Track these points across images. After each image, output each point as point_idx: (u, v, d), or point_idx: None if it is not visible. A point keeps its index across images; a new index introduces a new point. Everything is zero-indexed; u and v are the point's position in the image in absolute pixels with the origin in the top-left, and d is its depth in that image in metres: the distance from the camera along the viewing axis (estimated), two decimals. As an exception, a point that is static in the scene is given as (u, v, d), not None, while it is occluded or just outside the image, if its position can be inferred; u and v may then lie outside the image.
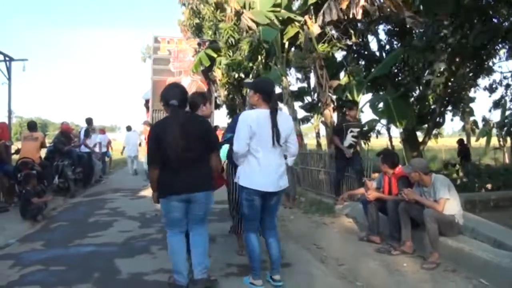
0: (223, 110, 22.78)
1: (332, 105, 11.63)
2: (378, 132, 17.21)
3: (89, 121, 15.14)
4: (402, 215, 5.91)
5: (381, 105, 11.61)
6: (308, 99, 17.12)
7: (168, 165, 4.38)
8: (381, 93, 13.62)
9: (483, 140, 18.79)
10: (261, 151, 4.49)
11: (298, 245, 6.44)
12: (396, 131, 16.35)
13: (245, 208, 4.67)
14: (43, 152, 11.89)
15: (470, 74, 14.15)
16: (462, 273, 5.09)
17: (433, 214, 5.46)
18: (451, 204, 5.62)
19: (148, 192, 11.93)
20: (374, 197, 6.54)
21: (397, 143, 16.90)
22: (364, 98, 12.37)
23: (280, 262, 4.87)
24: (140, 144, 18.07)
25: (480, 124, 21.26)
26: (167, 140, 4.33)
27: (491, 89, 15.61)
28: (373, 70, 13.60)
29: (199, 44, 17.93)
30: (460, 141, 18.18)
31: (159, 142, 4.38)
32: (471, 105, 18.70)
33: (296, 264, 5.48)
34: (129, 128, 18.69)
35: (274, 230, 4.85)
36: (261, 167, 4.50)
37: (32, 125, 11.37)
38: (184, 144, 4.29)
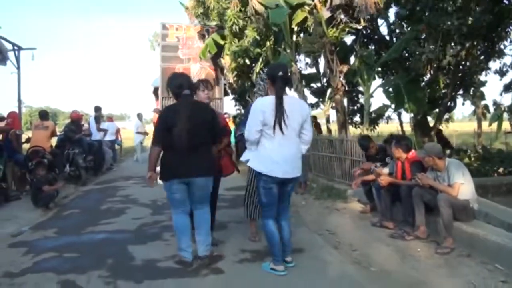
0: (232, 96, 22.67)
1: (342, 90, 11.54)
2: (389, 118, 17.07)
3: (97, 108, 15.19)
4: (416, 200, 5.86)
5: (392, 89, 11.47)
6: (317, 84, 17.00)
7: (172, 149, 4.63)
8: (391, 77, 13.48)
9: (495, 125, 18.60)
10: (276, 138, 4.46)
11: (310, 231, 6.43)
12: (406, 116, 16.23)
13: (262, 196, 4.65)
14: (54, 141, 11.94)
15: (481, 57, 13.95)
16: (477, 258, 5.05)
17: (447, 199, 5.41)
18: (465, 189, 5.56)
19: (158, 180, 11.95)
20: (387, 182, 6.48)
21: (407, 128, 16.75)
22: (374, 83, 12.25)
23: (291, 245, 4.88)
24: (146, 133, 18.12)
25: (491, 108, 21.04)
26: (175, 125, 4.55)
27: (501, 73, 15.42)
28: (381, 53, 13.48)
29: (207, 31, 17.81)
30: (438, 132, 17.92)
31: (167, 125, 4.61)
32: (482, 89, 18.51)
33: (309, 249, 5.45)
34: (139, 116, 18.65)
35: (286, 214, 4.86)
36: (278, 154, 4.47)
37: (43, 114, 11.42)
38: (190, 131, 4.55)
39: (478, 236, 5.28)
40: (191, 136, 4.56)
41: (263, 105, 4.47)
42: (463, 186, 5.53)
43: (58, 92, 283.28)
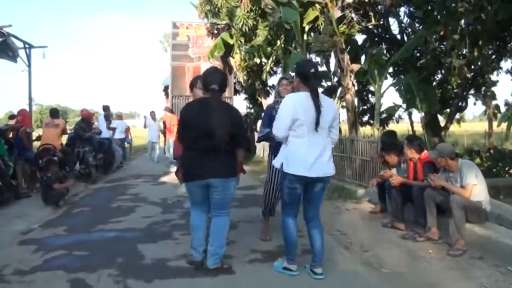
0: (244, 96, 22.69)
1: (353, 90, 11.48)
2: (399, 117, 16.99)
3: (105, 108, 15.21)
4: (428, 201, 5.81)
5: (403, 88, 11.40)
6: (327, 83, 16.92)
7: (193, 149, 4.49)
8: (402, 77, 13.40)
9: (504, 125, 18.41)
10: (306, 136, 4.30)
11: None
12: (416, 116, 16.14)
13: (285, 195, 4.50)
14: (64, 139, 11.97)
15: (493, 57, 13.84)
16: (489, 261, 5.02)
17: (460, 200, 5.36)
18: (478, 190, 5.51)
19: (168, 178, 11.96)
20: (399, 183, 6.43)
21: (418, 128, 16.67)
22: (385, 83, 12.15)
23: (323, 255, 4.57)
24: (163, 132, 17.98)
25: (503, 108, 20.86)
26: (200, 124, 4.40)
27: (512, 72, 15.31)
28: (392, 52, 13.40)
29: (217, 29, 17.79)
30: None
31: (189, 123, 4.51)
32: (493, 88, 18.36)
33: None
34: (152, 114, 18.57)
35: (317, 221, 4.61)
36: (306, 152, 4.29)
37: (54, 112, 11.45)
38: (216, 131, 4.30)
39: (491, 239, 5.24)
40: (217, 137, 4.30)
41: (295, 101, 4.33)
42: (476, 187, 5.47)
43: (68, 90, 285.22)
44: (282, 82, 5.65)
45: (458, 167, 5.66)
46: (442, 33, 11.60)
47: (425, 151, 6.46)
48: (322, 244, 4.54)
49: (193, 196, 4.72)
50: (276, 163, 4.56)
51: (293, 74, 5.29)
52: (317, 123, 4.26)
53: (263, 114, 6.17)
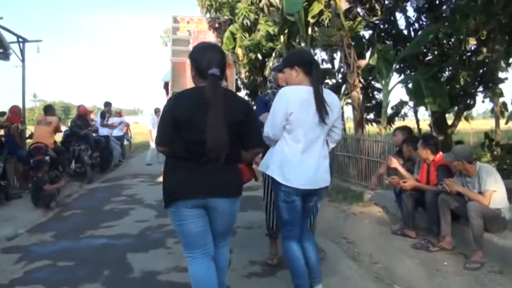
0: (244, 92, 22.29)
1: (359, 86, 11.05)
2: (405, 115, 16.60)
3: (106, 104, 14.87)
4: (442, 207, 5.35)
5: (411, 85, 10.99)
6: (332, 80, 16.55)
7: (183, 158, 3.12)
8: (412, 73, 13.00)
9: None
10: (302, 140, 3.60)
11: (326, 239, 5.88)
12: (422, 114, 15.76)
13: (283, 212, 3.74)
14: (59, 137, 11.61)
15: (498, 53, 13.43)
16: (510, 275, 4.57)
17: (478, 208, 4.90)
18: (497, 197, 5.05)
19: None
20: (411, 186, 5.96)
21: (423, 126, 16.28)
22: (392, 79, 11.73)
23: (320, 269, 4.02)
24: None
25: (510, 106, 20.44)
26: (193, 122, 3.06)
27: (520, 70, 14.89)
28: (399, 48, 12.99)
29: (219, 24, 17.42)
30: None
31: (177, 121, 3.09)
32: (501, 86, 17.97)
33: (325, 262, 4.88)
34: (156, 111, 17.96)
35: (310, 233, 4.14)
36: (303, 160, 3.60)
37: (47, 109, 11.12)
38: (222, 135, 2.98)
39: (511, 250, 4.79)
40: (222, 142, 2.98)
41: (291, 96, 3.59)
42: (495, 193, 5.02)
43: (72, 86, 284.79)
44: (278, 76, 4.66)
45: (476, 171, 5.21)
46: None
47: (440, 153, 5.99)
48: (317, 256, 3.98)
49: (185, 229, 3.20)
50: (263, 167, 3.86)
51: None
52: (320, 127, 3.64)
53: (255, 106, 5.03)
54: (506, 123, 18.60)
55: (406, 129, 7.27)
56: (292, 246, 3.78)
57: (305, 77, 3.69)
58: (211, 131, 2.95)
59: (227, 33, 16.11)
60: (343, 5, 10.40)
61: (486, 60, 12.41)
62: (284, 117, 3.56)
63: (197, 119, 3.02)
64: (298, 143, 3.61)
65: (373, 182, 6.94)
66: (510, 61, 13.74)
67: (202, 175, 3.09)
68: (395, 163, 6.36)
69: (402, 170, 6.25)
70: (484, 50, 12.16)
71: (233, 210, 3.31)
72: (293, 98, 3.58)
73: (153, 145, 16.27)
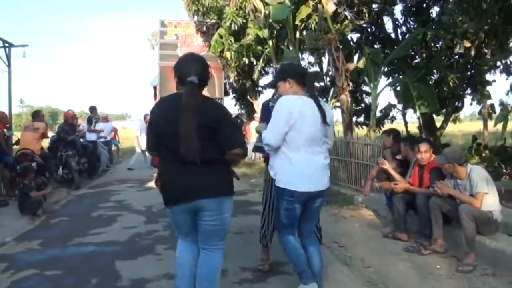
0: (232, 96, 22.24)
1: (348, 89, 11.03)
2: (393, 117, 16.64)
3: (92, 109, 14.71)
4: (434, 210, 5.30)
5: (400, 88, 11.01)
6: (320, 84, 16.54)
7: (167, 163, 3.38)
8: (400, 76, 13.03)
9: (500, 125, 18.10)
10: (303, 147, 3.73)
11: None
12: (410, 116, 15.79)
13: (283, 216, 3.89)
14: (46, 142, 11.46)
15: (487, 56, 13.49)
16: (503, 277, 4.55)
17: (470, 210, 4.87)
18: (489, 199, 5.03)
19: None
20: (402, 189, 5.92)
21: (412, 128, 16.30)
22: (381, 82, 11.76)
23: (322, 274, 4.11)
24: None
25: (497, 108, 20.54)
26: (169, 129, 3.23)
27: (508, 72, 14.95)
28: (387, 51, 13.01)
29: (207, 28, 17.37)
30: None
31: (158, 128, 3.36)
32: (488, 88, 18.05)
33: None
34: (145, 116, 17.73)
35: (314, 237, 4.22)
36: (305, 165, 3.74)
37: (35, 115, 10.97)
38: (197, 139, 3.14)
39: (504, 252, 4.76)
40: (199, 147, 3.14)
41: (293, 105, 3.71)
42: (487, 196, 5.00)
43: (59, 92, 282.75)
44: None
45: (467, 173, 5.18)
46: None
47: (433, 156, 5.95)
48: (321, 261, 4.06)
49: (177, 226, 3.56)
50: (272, 171, 3.95)
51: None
52: (321, 135, 3.80)
53: (260, 112, 5.18)
54: (495, 125, 18.71)
55: (393, 132, 7.20)
56: (291, 240, 3.94)
57: (298, 87, 3.83)
58: (183, 138, 3.13)
59: (215, 36, 16.07)
60: (330, 8, 10.40)
61: (472, 63, 12.47)
62: (285, 124, 3.67)
63: (171, 125, 3.19)
64: (299, 150, 3.73)
65: (367, 188, 6.85)
66: (497, 64, 13.84)
67: (186, 179, 3.26)
68: (386, 164, 6.31)
69: (393, 172, 6.20)
70: (472, 53, 12.22)
71: (221, 209, 3.37)
72: (293, 106, 3.70)
73: (138, 150, 16.20)
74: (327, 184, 3.94)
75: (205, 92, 3.51)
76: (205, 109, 3.27)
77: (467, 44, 10.67)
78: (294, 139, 3.72)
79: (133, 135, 19.25)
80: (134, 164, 15.92)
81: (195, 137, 3.12)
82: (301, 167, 3.75)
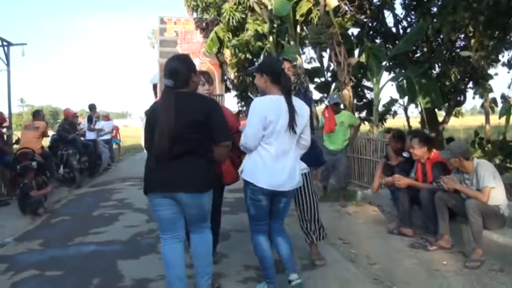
0: (234, 93, 22.17)
1: (350, 85, 10.94)
2: (395, 112, 16.55)
3: (91, 107, 14.55)
4: (440, 205, 5.23)
5: (405, 83, 10.91)
6: (321, 79, 16.44)
7: (154, 155, 3.58)
8: (402, 71, 12.95)
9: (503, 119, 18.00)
10: (274, 143, 3.76)
11: (322, 240, 5.77)
12: (412, 111, 15.72)
13: (250, 208, 3.94)
14: (46, 141, 11.39)
15: (491, 49, 13.38)
16: (511, 273, 4.47)
17: (477, 205, 4.80)
18: (496, 193, 4.96)
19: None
20: (406, 184, 5.84)
21: (414, 123, 16.23)
22: (382, 77, 11.68)
23: (292, 258, 4.13)
24: None
25: (499, 102, 20.45)
26: (155, 126, 3.52)
27: (510, 65, 14.86)
28: (388, 45, 12.92)
29: (207, 24, 17.28)
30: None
31: (150, 126, 3.62)
32: (490, 82, 17.98)
33: (321, 264, 4.80)
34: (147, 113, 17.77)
35: (280, 229, 4.16)
36: (273, 162, 3.77)
37: (35, 114, 10.91)
38: (172, 134, 3.42)
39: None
40: (175, 141, 3.42)
41: (265, 106, 3.78)
42: (494, 190, 4.92)
43: (60, 91, 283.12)
44: (284, 65, 4.66)
45: (474, 168, 5.10)
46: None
47: (434, 150, 5.88)
48: (290, 248, 4.08)
49: (158, 214, 3.68)
50: (241, 171, 3.99)
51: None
52: (290, 128, 3.78)
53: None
54: (500, 118, 18.57)
55: (400, 137, 7.00)
56: (260, 239, 3.96)
57: (272, 85, 3.88)
58: (157, 138, 3.46)
59: (212, 34, 15.97)
60: (333, 2, 10.32)
61: (470, 57, 12.37)
62: (261, 126, 3.74)
63: (155, 123, 3.54)
64: (270, 147, 3.77)
65: (376, 185, 6.77)
66: (499, 57, 13.74)
67: (168, 171, 3.52)
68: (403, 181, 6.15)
69: (407, 180, 6.05)
70: (473, 45, 12.12)
71: (200, 204, 3.63)
72: (265, 108, 3.78)
73: None
74: (294, 185, 3.92)
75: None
76: (190, 104, 3.56)
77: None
78: (267, 138, 3.77)
79: (134, 133, 19.22)
80: None
81: (166, 138, 3.42)
82: (270, 165, 3.77)
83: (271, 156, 3.76)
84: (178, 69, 3.58)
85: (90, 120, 13.83)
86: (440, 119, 14.00)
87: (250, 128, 3.78)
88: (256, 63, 15.17)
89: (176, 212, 3.65)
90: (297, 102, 3.89)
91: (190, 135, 3.48)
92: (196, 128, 3.50)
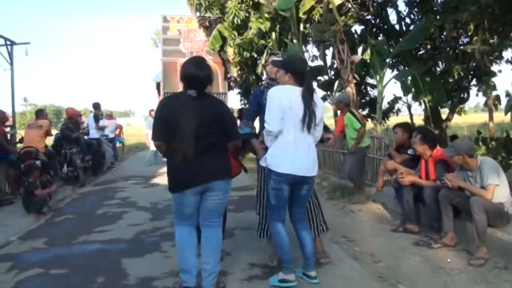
0: (237, 91, 22.13)
1: (353, 82, 10.92)
2: (398, 110, 16.53)
3: (96, 105, 14.46)
4: (444, 203, 5.22)
5: (409, 80, 10.89)
6: (324, 77, 16.41)
7: (178, 154, 3.75)
8: (405, 68, 12.92)
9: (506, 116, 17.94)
10: (292, 132, 4.01)
11: (325, 238, 5.66)
12: (416, 108, 15.70)
13: (272, 197, 4.15)
14: (50, 140, 11.40)
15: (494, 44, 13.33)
16: (516, 271, 4.44)
17: (481, 203, 4.78)
18: (500, 191, 4.94)
19: (161, 179, 11.36)
20: (410, 182, 5.83)
21: (417, 120, 16.20)
22: (386, 75, 11.65)
23: (313, 258, 4.32)
24: None
25: (503, 99, 20.39)
26: (178, 124, 3.74)
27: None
28: (391, 43, 12.90)
29: (210, 23, 17.24)
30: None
31: (167, 122, 3.81)
32: (494, 79, 17.92)
33: (326, 262, 4.77)
34: (151, 112, 17.57)
35: (304, 222, 4.40)
36: (294, 149, 4.01)
37: (38, 113, 10.95)
38: (197, 133, 3.73)
39: (516, 245, 4.68)
40: (199, 138, 3.73)
41: (282, 94, 4.04)
42: (498, 188, 4.90)
43: (63, 90, 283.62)
44: (269, 60, 4.91)
45: (478, 165, 5.08)
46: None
47: (438, 148, 5.86)
48: (313, 246, 4.35)
49: (182, 208, 3.95)
50: (263, 161, 4.22)
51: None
52: (306, 123, 4.03)
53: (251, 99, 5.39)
54: (506, 114, 18.45)
55: (407, 126, 7.05)
56: (279, 226, 4.18)
57: (295, 83, 4.09)
58: (180, 140, 3.73)
59: (214, 32, 15.94)
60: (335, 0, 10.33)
61: (473, 54, 12.33)
62: (279, 109, 3.97)
63: (179, 122, 3.76)
64: (289, 135, 4.01)
65: (380, 183, 6.76)
66: (502, 54, 13.68)
67: (198, 166, 3.80)
68: (392, 164, 6.24)
69: (401, 168, 6.11)
70: (475, 41, 12.06)
71: (228, 190, 4.05)
72: (282, 95, 4.03)
73: (152, 147, 15.96)
74: (312, 172, 4.15)
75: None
76: (210, 107, 3.91)
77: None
78: (286, 126, 4.00)
79: (138, 131, 19.18)
80: (150, 159, 15.87)
81: (191, 140, 3.71)
82: (290, 151, 4.01)
83: (292, 144, 4.00)
84: (198, 77, 3.87)
85: (96, 118, 13.75)
86: (443, 116, 13.95)
87: (271, 111, 4.02)
88: (260, 61, 15.20)
89: (197, 207, 3.97)
90: (317, 99, 4.16)
91: (211, 130, 3.82)
92: (215, 126, 3.85)
